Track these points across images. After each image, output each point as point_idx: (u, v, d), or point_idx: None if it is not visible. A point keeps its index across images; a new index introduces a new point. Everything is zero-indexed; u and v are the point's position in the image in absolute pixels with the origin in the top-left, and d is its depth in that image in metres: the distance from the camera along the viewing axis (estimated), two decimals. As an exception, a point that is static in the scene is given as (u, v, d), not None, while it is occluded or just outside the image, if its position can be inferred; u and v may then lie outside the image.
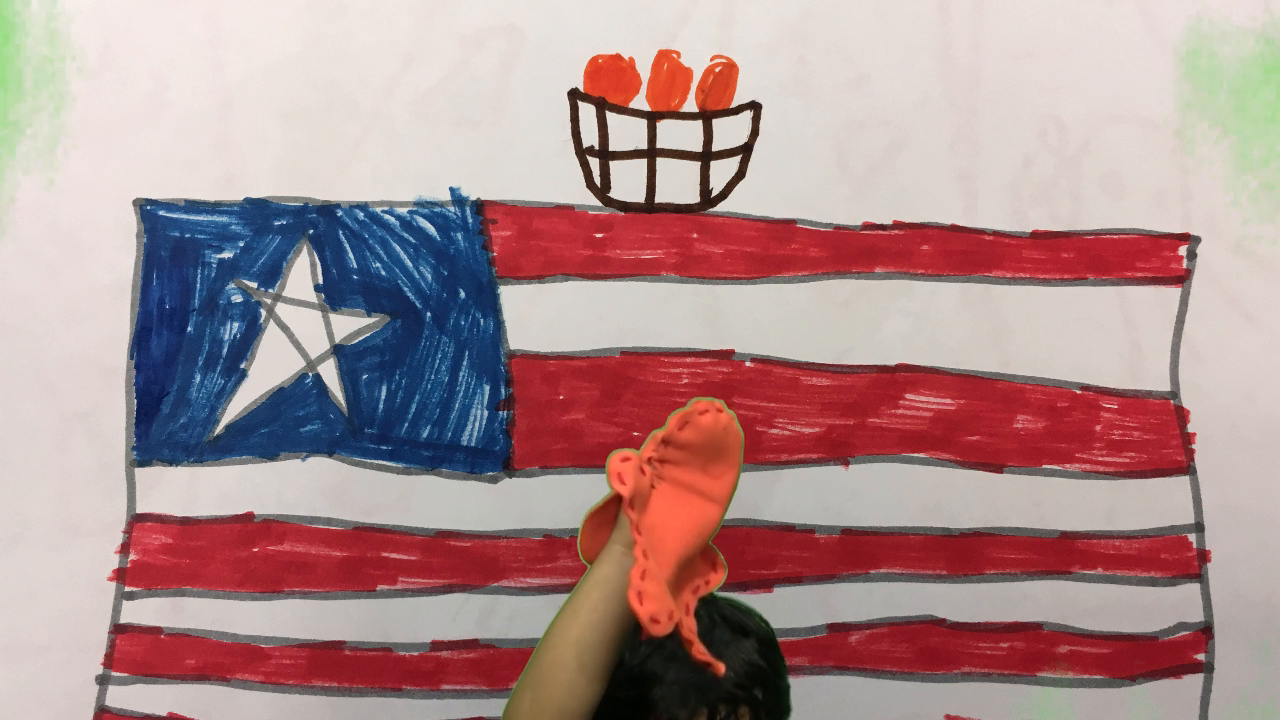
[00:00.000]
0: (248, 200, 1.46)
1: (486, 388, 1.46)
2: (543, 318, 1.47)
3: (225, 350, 1.46)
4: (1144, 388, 1.49)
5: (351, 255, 1.47)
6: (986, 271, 1.49)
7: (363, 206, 1.47)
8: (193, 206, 1.46)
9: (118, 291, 1.45)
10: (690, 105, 1.48)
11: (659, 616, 0.90)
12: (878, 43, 1.48)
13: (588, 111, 1.47)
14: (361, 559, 1.45)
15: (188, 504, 1.45)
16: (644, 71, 1.47)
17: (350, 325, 1.47)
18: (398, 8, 1.47)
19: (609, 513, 0.97)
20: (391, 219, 1.47)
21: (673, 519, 0.95)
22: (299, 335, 1.46)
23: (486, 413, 1.46)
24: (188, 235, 1.46)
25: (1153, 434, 1.49)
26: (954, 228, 1.49)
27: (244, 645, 1.44)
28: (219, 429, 1.45)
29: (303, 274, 1.47)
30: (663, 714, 1.02)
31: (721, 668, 0.93)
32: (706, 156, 1.48)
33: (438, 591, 1.45)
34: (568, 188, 1.47)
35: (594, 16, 1.47)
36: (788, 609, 1.45)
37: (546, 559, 1.46)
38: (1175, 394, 1.49)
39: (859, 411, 1.48)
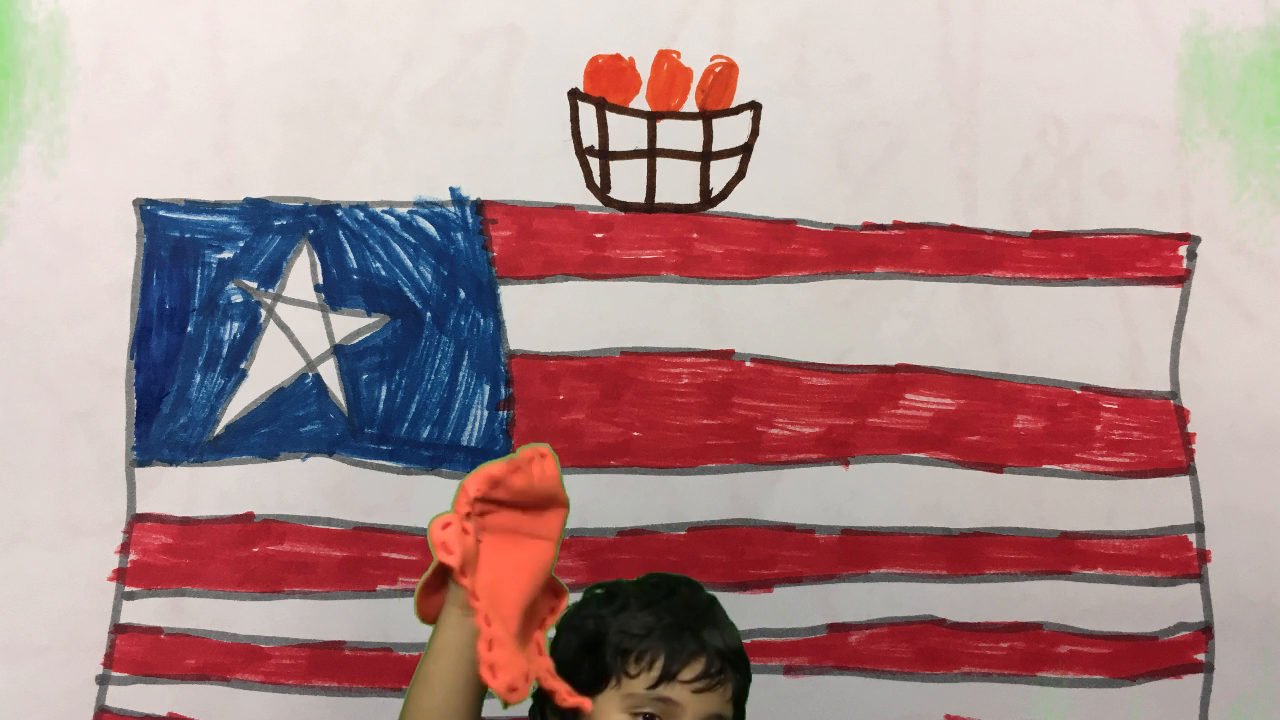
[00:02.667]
0: (248, 200, 1.46)
1: (486, 388, 1.46)
2: (543, 318, 1.47)
3: (225, 350, 1.46)
4: (1144, 388, 1.49)
5: (351, 255, 1.47)
6: (986, 271, 1.49)
7: (363, 206, 1.47)
8: (193, 206, 1.46)
9: (118, 291, 1.45)
10: (690, 105, 1.48)
11: (516, 683, 0.88)
12: (878, 43, 1.48)
13: (588, 111, 1.47)
14: (361, 559, 1.44)
15: (188, 504, 1.44)
16: (644, 71, 1.47)
17: (350, 325, 1.47)
18: (398, 8, 1.47)
19: (440, 577, 0.93)
20: (391, 219, 1.47)
21: (507, 569, 0.91)
22: (299, 335, 1.46)
23: (486, 413, 1.46)
24: (188, 235, 1.46)
25: (1153, 434, 1.49)
26: (954, 228, 1.49)
27: (244, 645, 1.43)
28: (219, 429, 1.45)
29: (303, 274, 1.47)
30: (654, 659, 0.98)
31: (589, 704, 0.91)
32: (706, 156, 1.48)
33: (438, 591, 1.45)
34: (568, 188, 1.47)
35: (594, 16, 1.47)
36: (788, 609, 1.45)
37: (546, 559, 1.46)
38: (1175, 394, 1.49)
39: (859, 411, 1.48)
